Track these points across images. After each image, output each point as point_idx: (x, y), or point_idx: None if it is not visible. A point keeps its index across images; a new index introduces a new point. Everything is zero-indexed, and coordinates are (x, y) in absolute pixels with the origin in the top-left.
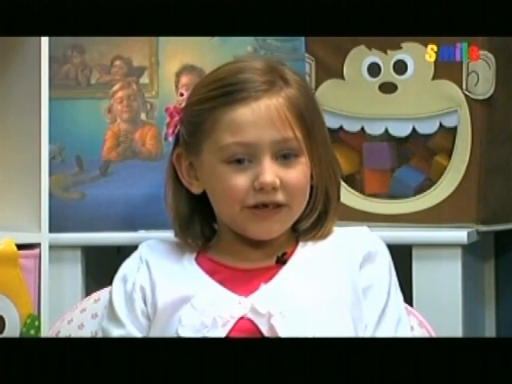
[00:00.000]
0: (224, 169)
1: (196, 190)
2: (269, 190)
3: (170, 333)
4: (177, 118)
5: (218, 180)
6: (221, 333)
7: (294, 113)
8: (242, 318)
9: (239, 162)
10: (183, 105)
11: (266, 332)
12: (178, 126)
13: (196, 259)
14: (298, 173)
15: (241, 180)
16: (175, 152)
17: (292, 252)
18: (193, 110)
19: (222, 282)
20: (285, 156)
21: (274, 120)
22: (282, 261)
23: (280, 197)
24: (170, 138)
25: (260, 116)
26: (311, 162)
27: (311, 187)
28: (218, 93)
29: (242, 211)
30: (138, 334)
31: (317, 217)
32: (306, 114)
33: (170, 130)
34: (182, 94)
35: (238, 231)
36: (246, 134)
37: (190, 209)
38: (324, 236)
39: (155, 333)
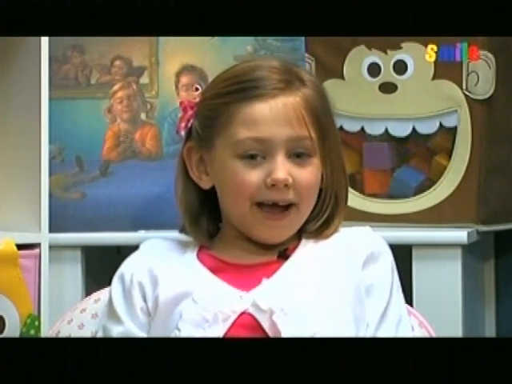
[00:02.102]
0: (236, 164)
1: (205, 184)
2: (281, 186)
3: (170, 328)
4: (190, 112)
5: (230, 175)
6: (222, 328)
7: (310, 113)
8: (243, 313)
9: (252, 157)
10: (197, 99)
11: (267, 328)
12: (191, 121)
13: (198, 256)
14: (309, 173)
15: (253, 175)
16: (186, 146)
17: (294, 248)
18: (208, 104)
19: (223, 278)
20: (298, 155)
21: (291, 118)
22: (283, 256)
23: (291, 195)
24: (183, 132)
25: (277, 113)
26: (322, 164)
27: (320, 190)
28: (235, 88)
29: (252, 209)
30: (137, 331)
31: (324, 220)
32: (322, 115)
33: (183, 124)
34: (197, 89)
35: (244, 232)
36: (262, 130)
37: (198, 204)
38: (328, 236)
39: (156, 328)
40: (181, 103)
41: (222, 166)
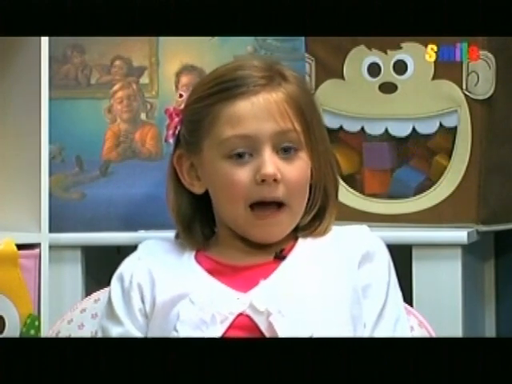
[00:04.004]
0: (225, 164)
1: (198, 190)
2: (270, 181)
3: (168, 329)
4: (176, 119)
5: (220, 176)
6: (219, 329)
7: (293, 107)
8: (240, 314)
9: (240, 156)
10: (183, 106)
11: (264, 329)
12: (178, 128)
13: (195, 258)
14: (298, 169)
15: (242, 174)
16: (176, 154)
17: (291, 248)
18: (193, 109)
19: (221, 280)
20: (285, 150)
21: (274, 113)
22: (280, 257)
23: (280, 192)
24: (171, 140)
25: (260, 109)
26: (310, 158)
27: (310, 185)
28: (217, 89)
29: (245, 211)
30: (136, 332)
31: (315, 213)
32: (305, 109)
33: (170, 132)
34: (181, 96)
35: (239, 233)
36: (246, 127)
37: (191, 210)
38: (322, 233)
39: (154, 329)
40: (166, 111)
41: (212, 169)
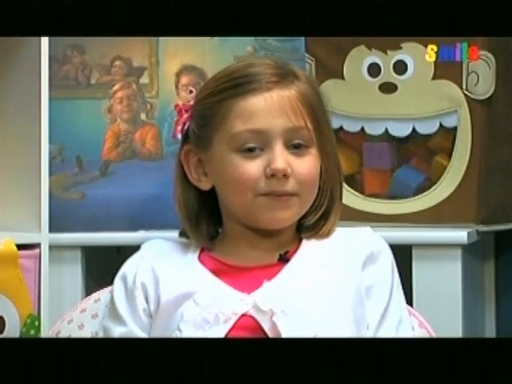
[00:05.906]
0: (235, 157)
1: (204, 186)
2: (280, 176)
3: (171, 329)
4: (186, 115)
5: (229, 169)
6: (222, 329)
7: (305, 105)
8: (244, 314)
9: (250, 150)
10: (192, 102)
11: (267, 329)
12: (187, 124)
13: (199, 258)
14: (308, 163)
15: (252, 167)
16: (183, 149)
17: (295, 250)
18: (204, 104)
19: (224, 280)
20: (296, 146)
21: (286, 109)
22: (284, 259)
23: (291, 186)
24: (179, 136)
25: (272, 105)
26: (319, 157)
27: (318, 185)
28: (229, 85)
29: (254, 199)
30: (139, 332)
31: (321, 214)
32: (317, 108)
33: (179, 128)
34: (191, 92)
35: (248, 222)
36: (258, 122)
37: (198, 206)
38: (326, 234)
39: (157, 329)
40: (176, 106)
41: (221, 162)
